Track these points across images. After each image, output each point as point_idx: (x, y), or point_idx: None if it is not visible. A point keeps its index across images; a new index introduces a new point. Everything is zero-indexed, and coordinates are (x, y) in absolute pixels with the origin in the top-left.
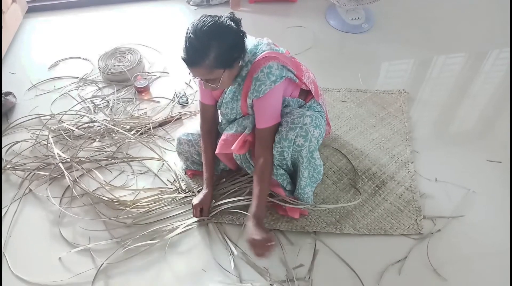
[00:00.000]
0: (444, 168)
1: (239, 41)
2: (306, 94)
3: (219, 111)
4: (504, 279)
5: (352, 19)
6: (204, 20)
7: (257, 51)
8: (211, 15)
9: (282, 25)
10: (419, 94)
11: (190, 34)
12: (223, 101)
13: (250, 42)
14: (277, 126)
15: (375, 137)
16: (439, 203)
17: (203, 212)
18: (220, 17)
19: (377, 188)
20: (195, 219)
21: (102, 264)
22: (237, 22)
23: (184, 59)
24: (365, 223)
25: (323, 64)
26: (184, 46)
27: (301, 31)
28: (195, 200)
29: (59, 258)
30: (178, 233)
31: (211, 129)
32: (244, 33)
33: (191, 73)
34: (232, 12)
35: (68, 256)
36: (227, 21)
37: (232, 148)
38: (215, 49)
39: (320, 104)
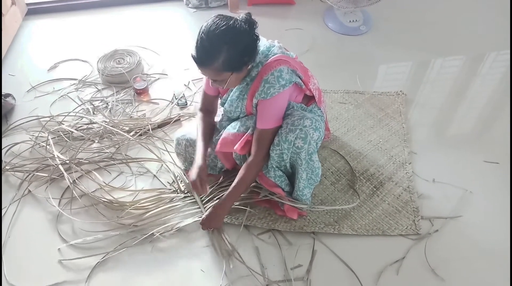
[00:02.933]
0: (441, 169)
1: (251, 46)
2: (308, 99)
3: (222, 108)
4: (501, 279)
5: (350, 21)
6: (218, 23)
7: (269, 53)
8: (226, 17)
9: (280, 28)
10: (416, 96)
11: (202, 34)
12: (228, 99)
13: (262, 43)
14: (277, 129)
15: (373, 138)
16: (436, 204)
17: (203, 188)
18: (235, 20)
19: (375, 189)
20: (194, 219)
21: (98, 262)
22: (252, 24)
23: (194, 58)
24: (363, 223)
25: (321, 66)
26: (195, 44)
27: (299, 34)
28: (193, 175)
29: (58, 259)
30: (176, 230)
31: (209, 110)
32: (257, 36)
33: (199, 70)
34: (249, 13)
35: (67, 257)
36: (241, 25)
37: (234, 148)
38: (225, 53)
39: (320, 109)
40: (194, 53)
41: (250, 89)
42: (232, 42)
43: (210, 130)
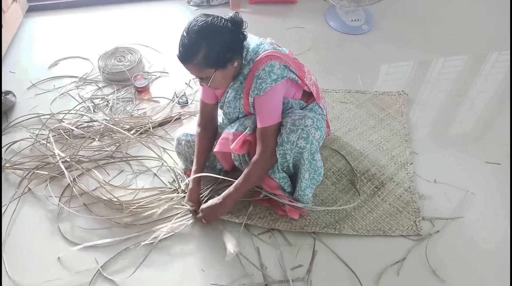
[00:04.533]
0: (443, 169)
1: (234, 42)
2: (308, 96)
3: (221, 110)
4: (502, 280)
5: (352, 20)
6: (198, 19)
7: (259, 50)
8: (207, 15)
9: (282, 26)
10: (418, 96)
11: (184, 32)
12: (226, 100)
13: (253, 41)
14: (278, 126)
15: (374, 138)
16: (438, 205)
17: (195, 208)
18: (215, 17)
19: (376, 189)
20: (194, 217)
21: (103, 264)
22: (238, 23)
23: (177, 56)
24: (364, 224)
25: (322, 65)
26: (179, 43)
27: (301, 32)
28: (185, 200)
29: (58, 257)
30: (176, 229)
31: (208, 125)
32: (243, 34)
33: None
34: (237, 12)
35: (67, 255)
36: (223, 22)
37: (231, 147)
38: (204, 48)
39: (321, 107)
40: (177, 51)
41: (244, 87)
42: (211, 38)
43: (207, 148)
